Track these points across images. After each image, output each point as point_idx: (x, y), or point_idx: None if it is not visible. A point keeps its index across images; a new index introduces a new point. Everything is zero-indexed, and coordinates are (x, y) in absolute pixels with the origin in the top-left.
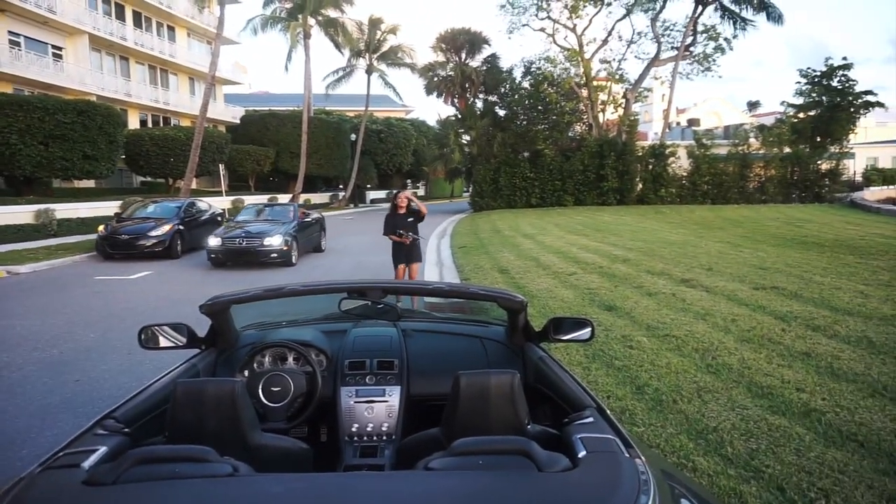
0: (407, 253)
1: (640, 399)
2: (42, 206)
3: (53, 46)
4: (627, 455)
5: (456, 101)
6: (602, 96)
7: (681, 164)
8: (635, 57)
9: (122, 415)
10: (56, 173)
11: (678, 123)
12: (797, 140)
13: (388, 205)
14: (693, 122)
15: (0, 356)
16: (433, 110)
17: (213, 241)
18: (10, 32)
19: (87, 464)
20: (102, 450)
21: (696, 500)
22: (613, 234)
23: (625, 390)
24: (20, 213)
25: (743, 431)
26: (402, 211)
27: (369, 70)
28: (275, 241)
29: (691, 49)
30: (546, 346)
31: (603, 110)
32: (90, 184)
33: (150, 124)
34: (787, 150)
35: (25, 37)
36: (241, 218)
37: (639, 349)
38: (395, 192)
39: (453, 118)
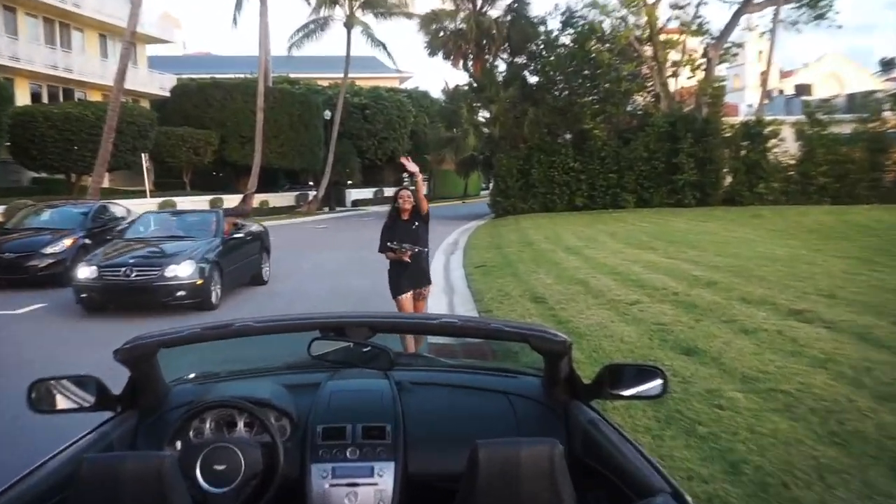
0: (413, 275)
1: (736, 482)
2: None
3: None
4: None
5: (470, 63)
6: (673, 55)
7: (786, 148)
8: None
9: (10, 502)
10: None
11: (781, 92)
12: None
13: (376, 209)
14: (803, 89)
15: None
16: (438, 77)
17: (85, 272)
18: None
19: None
20: None
21: None
22: (693, 248)
23: (713, 469)
24: None
25: None
26: (407, 216)
27: (349, 23)
28: (182, 271)
29: None
30: (599, 405)
31: (675, 74)
32: None
33: (45, 99)
34: None
35: None
36: (134, 234)
37: (731, 410)
38: (398, 189)
39: (466, 88)
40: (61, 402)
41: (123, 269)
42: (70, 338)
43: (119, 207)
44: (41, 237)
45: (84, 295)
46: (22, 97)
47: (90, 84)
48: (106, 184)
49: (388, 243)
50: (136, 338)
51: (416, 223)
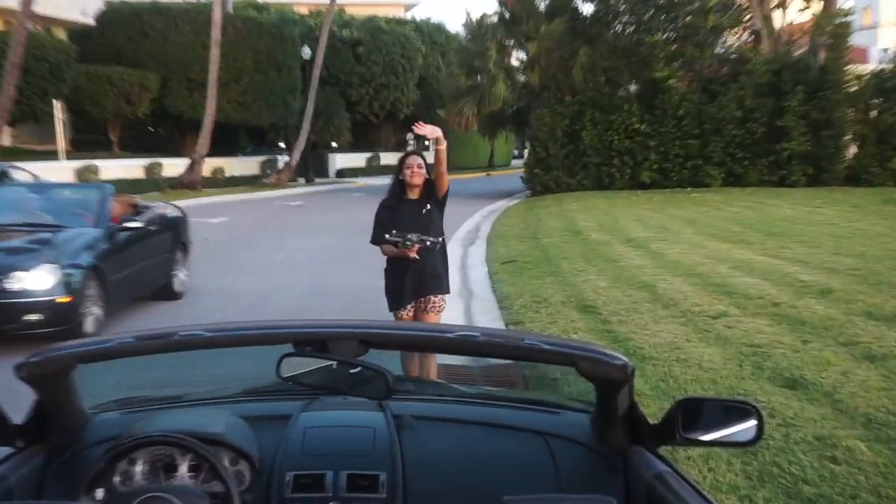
0: (421, 280)
1: None
2: None
3: None
4: None
5: None
6: None
7: None
8: None
9: None
10: None
11: None
12: None
13: (370, 181)
14: None
15: None
16: (458, 5)
17: None
18: None
19: None
20: None
21: None
22: (801, 242)
23: None
24: None
25: None
26: (416, 195)
27: None
28: (36, 283)
29: None
30: (669, 454)
31: (782, 5)
32: None
33: None
34: None
35: None
36: None
37: (850, 465)
38: (404, 155)
39: (496, 20)
40: None
41: None
42: None
43: (24, 174)
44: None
45: None
46: None
47: None
48: (6, 141)
49: (388, 234)
50: (47, 349)
51: (429, 205)
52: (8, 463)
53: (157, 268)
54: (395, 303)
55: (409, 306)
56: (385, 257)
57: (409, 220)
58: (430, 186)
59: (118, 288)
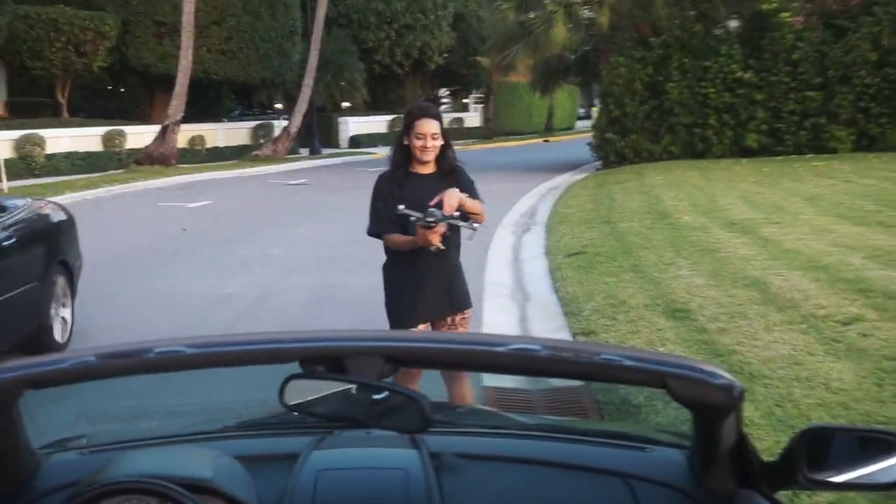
0: (439, 286)
1: None
2: None
3: None
4: None
5: None
6: None
7: None
8: None
9: None
10: None
11: None
12: None
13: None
14: None
15: None
16: None
17: None
18: None
19: None
20: None
21: None
22: None
23: None
24: None
25: None
26: (427, 168)
27: None
28: None
29: None
30: (789, 499)
31: None
32: None
33: None
34: None
35: None
36: None
37: None
38: (413, 113)
39: None
40: None
41: None
42: None
43: None
44: None
45: None
46: None
47: None
48: None
49: (411, 218)
50: None
51: (441, 180)
52: None
53: (17, 304)
54: (404, 316)
55: (425, 324)
56: (387, 249)
57: (417, 199)
58: (446, 156)
59: None
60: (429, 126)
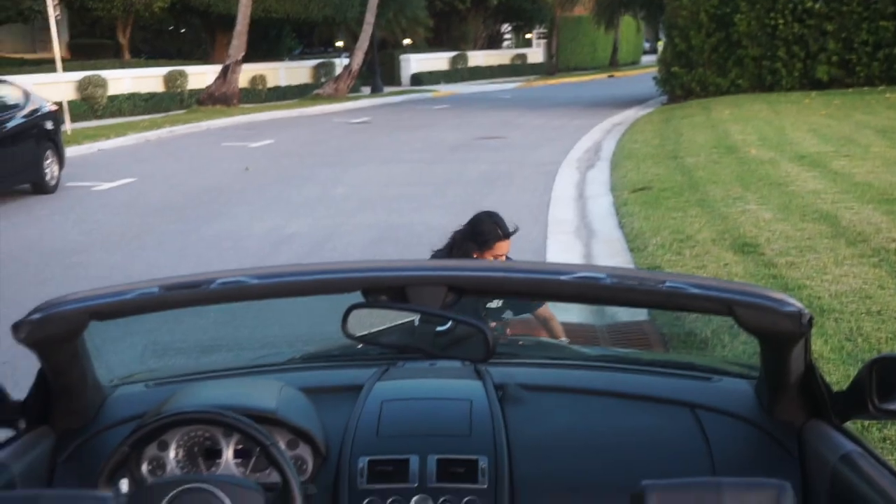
0: None
1: None
2: None
3: None
4: None
5: None
6: None
7: None
8: None
9: None
10: None
11: None
12: None
13: (455, 89)
14: None
15: None
16: None
17: None
18: None
19: None
20: None
21: None
22: None
23: None
24: None
25: None
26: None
27: None
28: None
29: None
30: (858, 429)
31: None
32: None
33: None
34: None
35: None
36: None
37: None
38: (492, 229)
39: None
40: None
41: None
42: None
43: (10, 88)
44: None
45: None
46: None
47: None
48: None
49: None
50: (50, 303)
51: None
52: (9, 448)
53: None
54: None
55: None
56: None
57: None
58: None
59: None
60: (507, 246)
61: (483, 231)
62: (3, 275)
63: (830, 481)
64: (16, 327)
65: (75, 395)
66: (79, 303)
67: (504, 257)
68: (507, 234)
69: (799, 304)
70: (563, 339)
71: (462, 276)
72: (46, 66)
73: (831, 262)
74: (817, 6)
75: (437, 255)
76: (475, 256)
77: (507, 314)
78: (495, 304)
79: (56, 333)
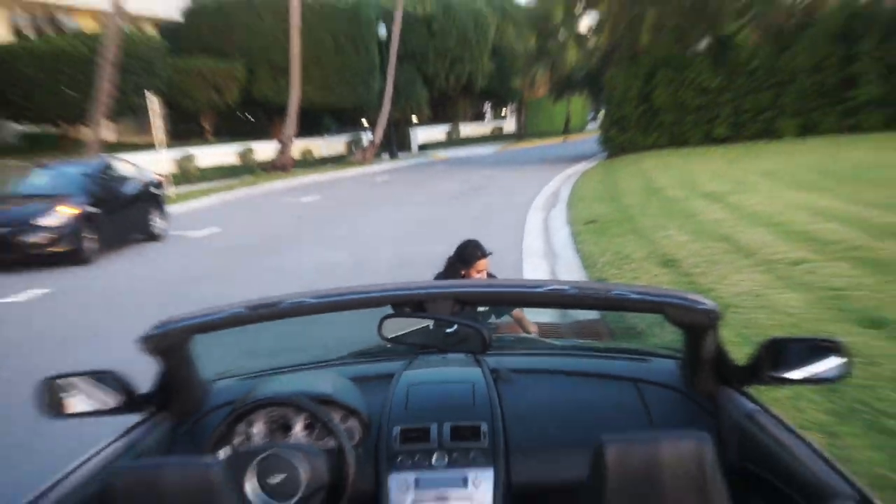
0: None
1: None
2: None
3: None
4: None
5: None
6: None
7: None
8: None
9: None
10: None
11: None
12: None
13: (451, 154)
14: None
15: None
16: None
17: None
18: None
19: None
20: None
21: None
22: (880, 186)
23: None
24: None
25: None
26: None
27: None
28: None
29: None
30: (757, 394)
31: None
32: None
33: (31, 34)
34: None
35: None
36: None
37: None
38: (474, 252)
39: None
40: (79, 405)
41: None
42: (80, 330)
43: (126, 166)
44: (33, 206)
45: None
46: (0, 32)
47: (80, 9)
48: (111, 137)
49: None
50: (165, 321)
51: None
52: (139, 429)
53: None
54: None
55: None
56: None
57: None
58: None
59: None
60: (485, 264)
61: (466, 254)
62: (127, 302)
63: (738, 432)
64: (143, 340)
65: (186, 388)
66: (184, 321)
67: (485, 273)
68: (484, 255)
69: (711, 303)
70: (534, 331)
71: (465, 291)
72: (150, 147)
73: (731, 272)
74: (714, 84)
75: (438, 276)
76: (462, 273)
77: (492, 317)
78: (483, 308)
79: (170, 344)
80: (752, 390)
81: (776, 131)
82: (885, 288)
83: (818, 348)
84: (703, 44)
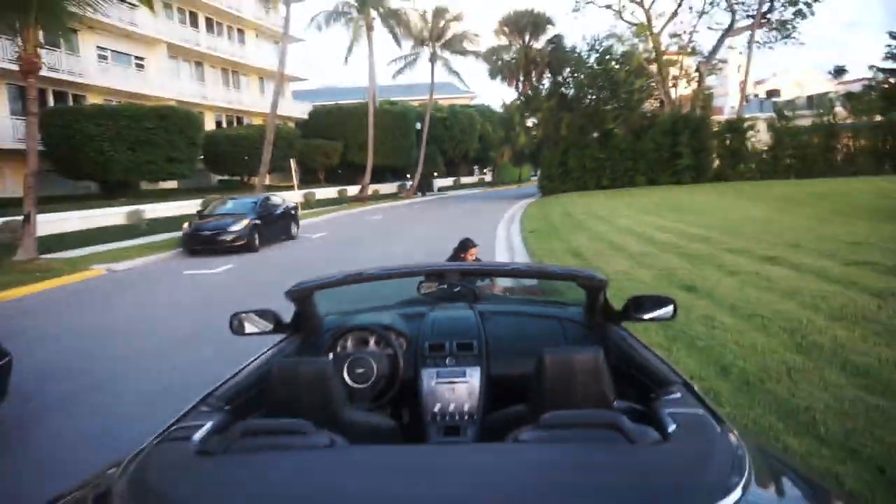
0: None
1: (726, 380)
2: (133, 208)
3: (136, 57)
4: (719, 430)
5: (520, 84)
6: (673, 71)
7: (760, 137)
8: (708, 28)
9: (222, 394)
10: (143, 176)
11: (756, 95)
12: (888, 108)
13: (455, 193)
14: (773, 93)
15: (104, 347)
16: (498, 95)
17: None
18: (99, 47)
19: (197, 436)
20: (209, 424)
21: (796, 476)
22: (690, 213)
23: (709, 371)
24: (114, 215)
25: (837, 412)
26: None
27: (433, 58)
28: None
29: (768, 16)
30: (626, 327)
31: (675, 85)
32: (173, 184)
33: (224, 125)
34: (878, 118)
35: (112, 50)
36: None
37: (722, 329)
38: (469, 243)
39: (518, 102)
40: (250, 328)
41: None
42: (251, 287)
43: (277, 198)
44: (226, 220)
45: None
46: (209, 124)
47: (253, 112)
48: (267, 181)
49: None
50: (299, 283)
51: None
52: (283, 343)
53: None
54: None
55: None
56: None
57: None
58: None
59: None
60: (476, 251)
61: (464, 244)
62: (276, 271)
63: (616, 349)
64: (287, 293)
65: (310, 320)
66: (309, 283)
67: (475, 257)
68: (474, 245)
69: (602, 275)
70: (501, 291)
71: (465, 268)
72: (290, 188)
73: (612, 259)
74: (601, 156)
75: (450, 259)
76: (462, 257)
77: (479, 282)
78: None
79: (301, 295)
80: (623, 325)
81: (634, 183)
82: (695, 269)
83: (659, 301)
84: (595, 135)
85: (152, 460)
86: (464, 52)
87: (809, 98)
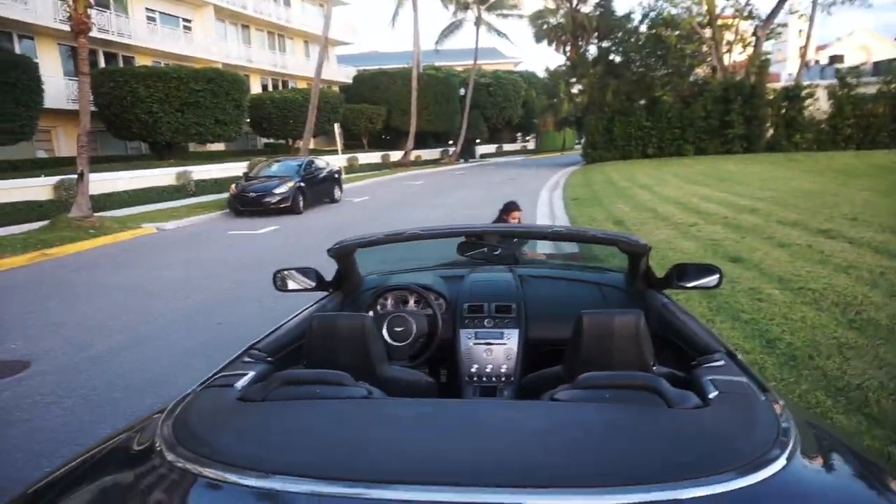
0: None
1: (771, 353)
2: (181, 169)
3: (183, 19)
4: (764, 398)
5: (567, 49)
6: (728, 36)
7: (819, 106)
8: None
9: (264, 346)
10: (191, 138)
11: (817, 62)
12: None
13: (496, 160)
14: (836, 59)
15: (153, 302)
16: (542, 62)
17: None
18: (147, 9)
19: (239, 384)
20: (251, 373)
21: (850, 451)
22: (739, 184)
23: (753, 344)
24: (163, 176)
25: (893, 391)
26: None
27: (478, 22)
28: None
29: None
30: (668, 294)
31: (729, 51)
32: (220, 147)
33: (269, 88)
34: None
35: (160, 12)
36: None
37: (769, 302)
38: (512, 206)
39: (563, 68)
40: (292, 285)
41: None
42: (295, 247)
43: (321, 161)
44: (272, 182)
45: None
46: (255, 87)
47: (298, 76)
48: (311, 145)
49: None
50: (341, 241)
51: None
52: (325, 299)
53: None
54: None
55: None
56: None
57: None
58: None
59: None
60: (518, 214)
61: (508, 206)
62: (319, 231)
63: (657, 316)
64: (329, 251)
65: (351, 278)
66: (351, 241)
67: (518, 219)
68: (517, 209)
69: (644, 241)
70: (542, 256)
71: (504, 229)
72: (333, 152)
73: (655, 228)
74: (648, 124)
75: (495, 221)
76: (505, 219)
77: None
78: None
79: (343, 253)
80: (666, 292)
81: (681, 152)
82: (742, 240)
83: (703, 269)
84: (642, 102)
85: (195, 406)
86: (507, 14)
87: (876, 64)
